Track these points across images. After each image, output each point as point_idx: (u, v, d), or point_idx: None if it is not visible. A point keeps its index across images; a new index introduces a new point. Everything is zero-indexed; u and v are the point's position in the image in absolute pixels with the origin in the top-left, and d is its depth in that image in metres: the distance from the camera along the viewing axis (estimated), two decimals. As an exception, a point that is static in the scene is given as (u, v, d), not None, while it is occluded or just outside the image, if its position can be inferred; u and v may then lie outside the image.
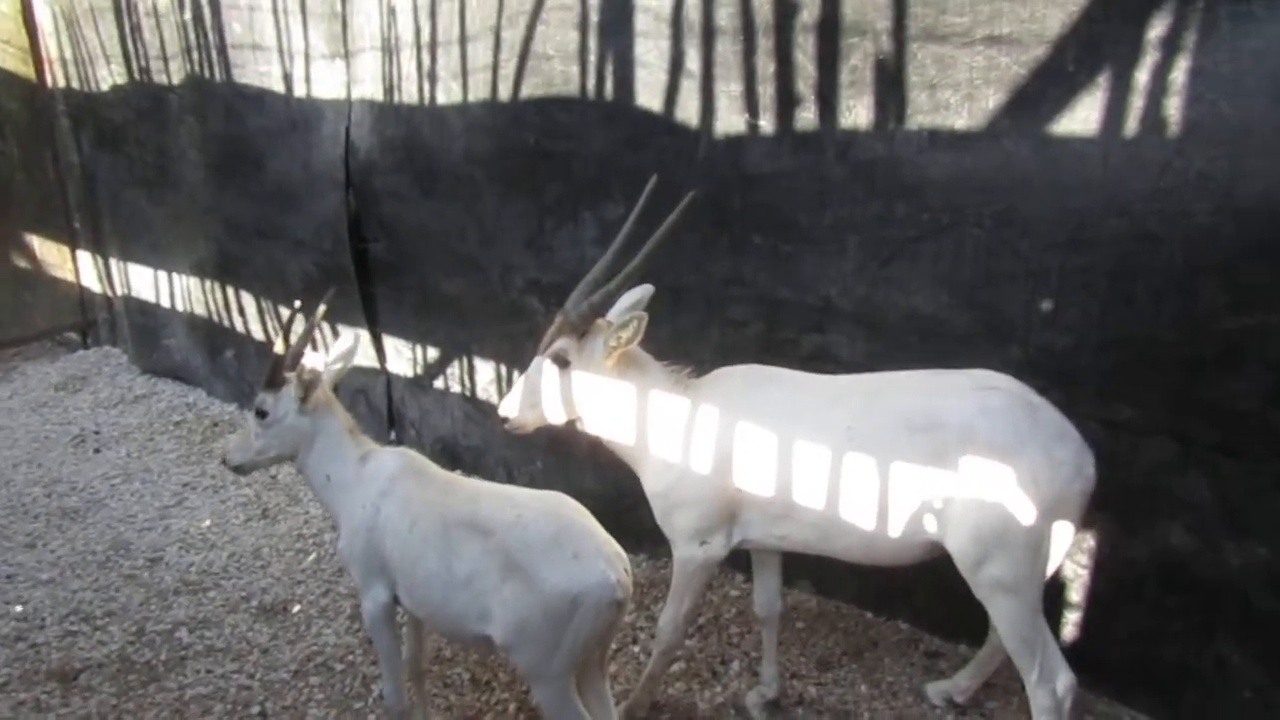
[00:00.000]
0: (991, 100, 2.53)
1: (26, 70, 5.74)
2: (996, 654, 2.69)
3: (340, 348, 2.78)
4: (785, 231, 3.00)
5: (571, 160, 3.37)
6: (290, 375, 2.54)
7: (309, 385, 2.54)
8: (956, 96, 2.58)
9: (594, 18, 3.18)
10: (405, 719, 2.66)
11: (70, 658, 3.26)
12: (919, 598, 3.15)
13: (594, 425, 2.71)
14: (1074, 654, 2.83)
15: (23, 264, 6.01)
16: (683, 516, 2.62)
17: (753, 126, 2.95)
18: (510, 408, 2.72)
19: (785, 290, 3.06)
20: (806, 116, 2.85)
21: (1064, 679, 2.33)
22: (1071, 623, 2.84)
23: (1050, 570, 2.32)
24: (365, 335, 4.46)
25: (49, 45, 5.63)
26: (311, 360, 2.57)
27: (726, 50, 2.94)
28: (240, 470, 2.69)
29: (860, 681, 3.01)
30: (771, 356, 3.12)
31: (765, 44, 2.86)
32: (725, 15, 2.91)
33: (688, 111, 3.07)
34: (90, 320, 6.31)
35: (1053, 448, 2.23)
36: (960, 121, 2.60)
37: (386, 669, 2.58)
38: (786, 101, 2.87)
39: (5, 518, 4.21)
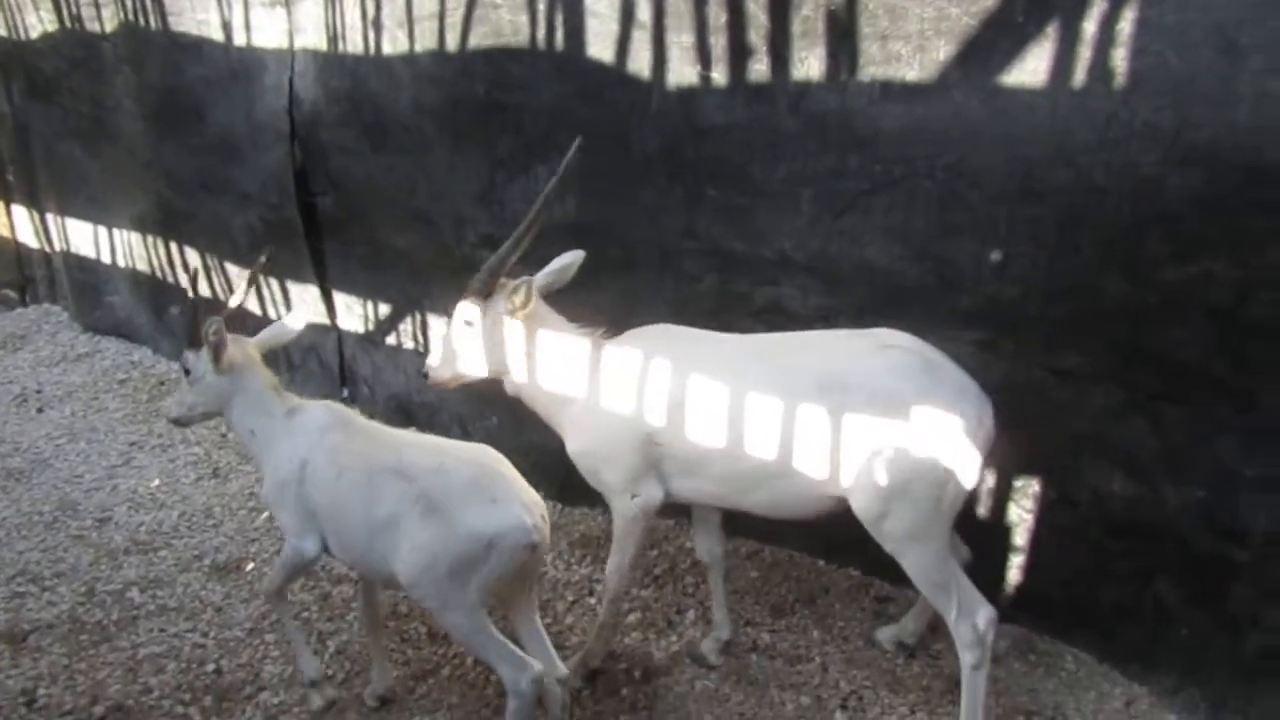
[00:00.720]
0: (942, 51, 2.53)
1: (-49, 16, 5.50)
2: None
3: (279, 328, 2.90)
4: (739, 184, 2.99)
5: (523, 113, 3.32)
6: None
7: (217, 346, 2.61)
8: (908, 48, 2.58)
9: (543, -35, 3.11)
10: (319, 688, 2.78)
11: (19, 619, 3.22)
12: (870, 545, 3.20)
13: (510, 384, 2.84)
14: (1018, 595, 2.93)
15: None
16: (609, 472, 2.71)
17: (705, 78, 2.92)
18: (432, 362, 2.85)
19: (739, 243, 3.06)
20: (759, 68, 2.83)
21: (984, 613, 2.43)
22: (1016, 565, 2.92)
23: (951, 517, 2.40)
24: (315, 291, 4.39)
25: (-28, -10, 5.39)
26: (280, 329, 2.83)
27: (678, 0, 2.90)
28: (178, 423, 2.80)
29: (813, 627, 3.08)
30: (725, 311, 3.14)
31: (718, -7, 2.83)
32: (677, -37, 2.87)
33: (639, 63, 3.04)
34: (28, 277, 6.13)
35: (953, 403, 2.31)
36: (911, 73, 2.59)
37: (293, 636, 2.77)
38: (738, 53, 2.85)
39: (-53, 481, 4.12)
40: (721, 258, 3.11)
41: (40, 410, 4.77)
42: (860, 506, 2.39)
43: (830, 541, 3.30)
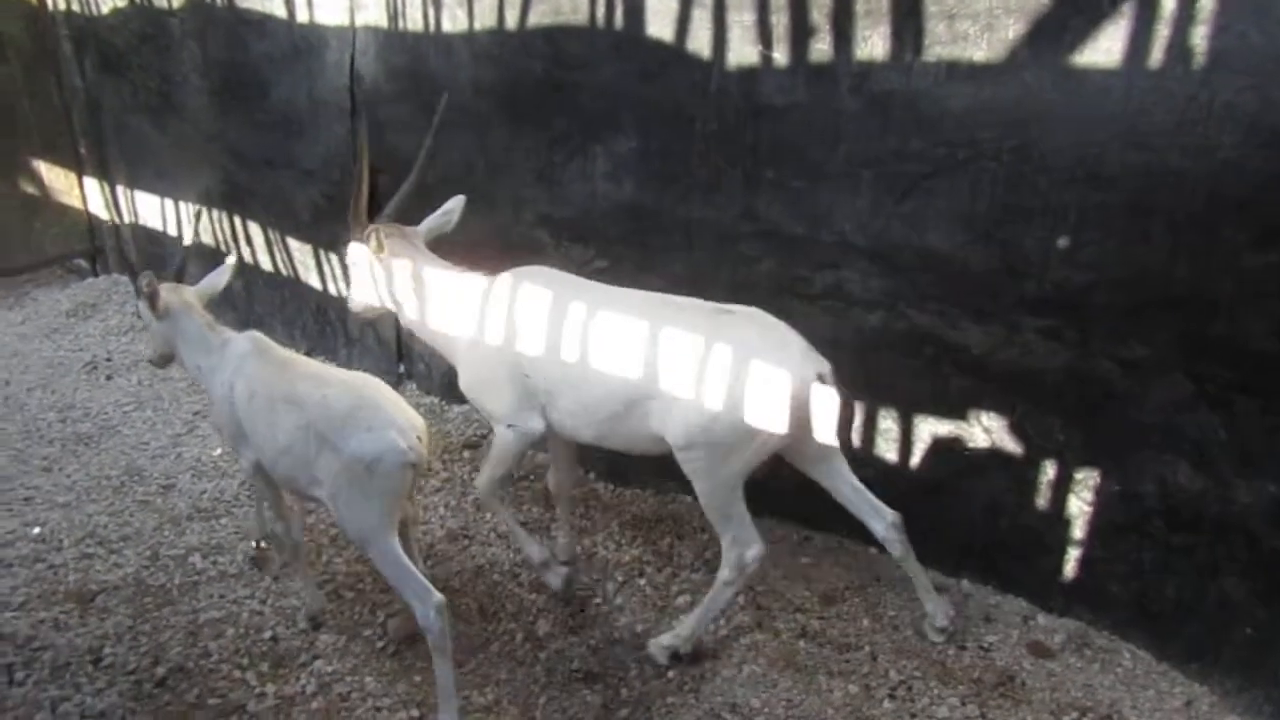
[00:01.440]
0: (1011, 30, 2.46)
1: (27, -8, 5.64)
2: (918, 572, 2.92)
3: (215, 275, 3.21)
4: (798, 166, 2.95)
5: (580, 91, 3.30)
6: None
7: (151, 296, 2.94)
8: (976, 27, 2.51)
9: (605, -59, 3.09)
10: (298, 551, 3.08)
11: (87, 579, 3.32)
12: (924, 531, 3.17)
13: (404, 321, 3.21)
14: (1076, 588, 2.87)
15: (31, 190, 5.98)
16: (490, 402, 2.97)
17: (766, 58, 2.88)
18: (349, 295, 3.30)
19: (798, 226, 3.02)
20: (821, 48, 2.78)
21: (754, 549, 2.75)
22: (1074, 558, 2.86)
23: (755, 459, 2.65)
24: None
25: (49, -34, 5.52)
26: (215, 278, 3.18)
27: (741, -24, 2.86)
28: (154, 364, 3.22)
29: (863, 615, 3.05)
30: (784, 294, 3.11)
31: (781, -30, 2.78)
32: (740, -60, 2.83)
33: (699, 42, 3.00)
34: (99, 247, 6.29)
35: (779, 361, 2.54)
36: (979, 53, 2.53)
37: (272, 509, 3.05)
38: (801, 32, 2.80)
39: (21, 442, 4.25)
40: (780, 240, 3.08)
41: (109, 378, 4.91)
42: (671, 439, 2.65)
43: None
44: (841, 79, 2.77)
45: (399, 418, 2.64)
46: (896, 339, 2.98)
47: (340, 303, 4.71)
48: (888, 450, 3.14)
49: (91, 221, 6.23)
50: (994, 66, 2.52)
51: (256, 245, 5.00)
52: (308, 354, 4.98)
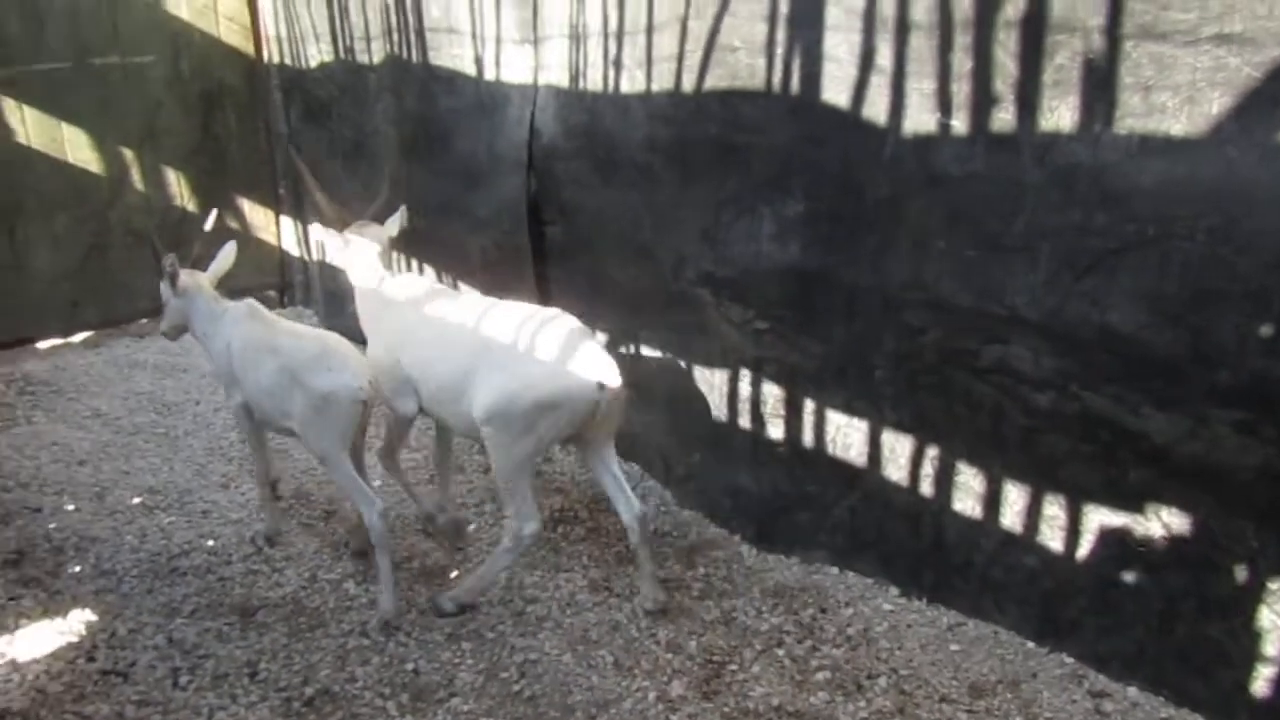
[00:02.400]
0: (1216, 104, 2.33)
1: (247, 47, 6.17)
2: (646, 559, 3.38)
3: (221, 259, 3.86)
4: (972, 236, 2.86)
5: (752, 153, 3.33)
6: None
7: (171, 277, 3.60)
8: (1175, 99, 2.39)
9: (783, 9, 3.12)
10: (269, 481, 3.82)
11: (251, 595, 3.50)
12: (1088, 630, 2.96)
13: None
14: (1264, 710, 2.61)
15: (234, 225, 6.47)
16: (385, 386, 3.51)
17: (944, 126, 2.82)
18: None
19: (967, 297, 2.92)
20: (1003, 117, 2.70)
21: (532, 526, 3.22)
22: (1265, 676, 2.60)
23: (543, 443, 3.21)
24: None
25: (267, 23, 6.02)
26: (223, 260, 3.85)
27: (921, 45, 2.83)
28: (166, 337, 3.80)
29: (1015, 713, 2.86)
30: (948, 365, 3.01)
31: (963, 40, 2.73)
32: (922, 9, 2.80)
33: (876, 108, 2.98)
34: (288, 282, 6.73)
35: (565, 368, 3.10)
36: (1177, 126, 2.40)
37: (253, 447, 3.81)
38: (982, 101, 2.73)
39: (205, 458, 4.55)
40: (947, 311, 2.99)
41: (286, 405, 5.21)
42: (475, 414, 3.17)
43: (1044, 621, 3.07)
44: (1024, 149, 2.68)
45: (354, 364, 3.35)
46: (1068, 421, 2.82)
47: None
48: (1052, 538, 2.96)
49: (283, 257, 6.68)
50: (1193, 141, 2.38)
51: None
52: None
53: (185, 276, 3.65)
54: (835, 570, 3.58)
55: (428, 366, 3.41)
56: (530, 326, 3.25)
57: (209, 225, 3.94)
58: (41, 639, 3.23)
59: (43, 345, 5.86)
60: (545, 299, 4.51)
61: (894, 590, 3.43)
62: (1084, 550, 2.91)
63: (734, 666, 3.12)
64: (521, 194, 4.35)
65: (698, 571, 3.63)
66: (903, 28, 2.85)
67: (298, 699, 2.97)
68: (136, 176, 5.92)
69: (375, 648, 3.21)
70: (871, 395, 3.29)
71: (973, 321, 2.94)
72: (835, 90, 3.06)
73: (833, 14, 2.99)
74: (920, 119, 2.88)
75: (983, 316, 2.91)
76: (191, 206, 6.18)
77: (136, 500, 4.15)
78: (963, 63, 2.74)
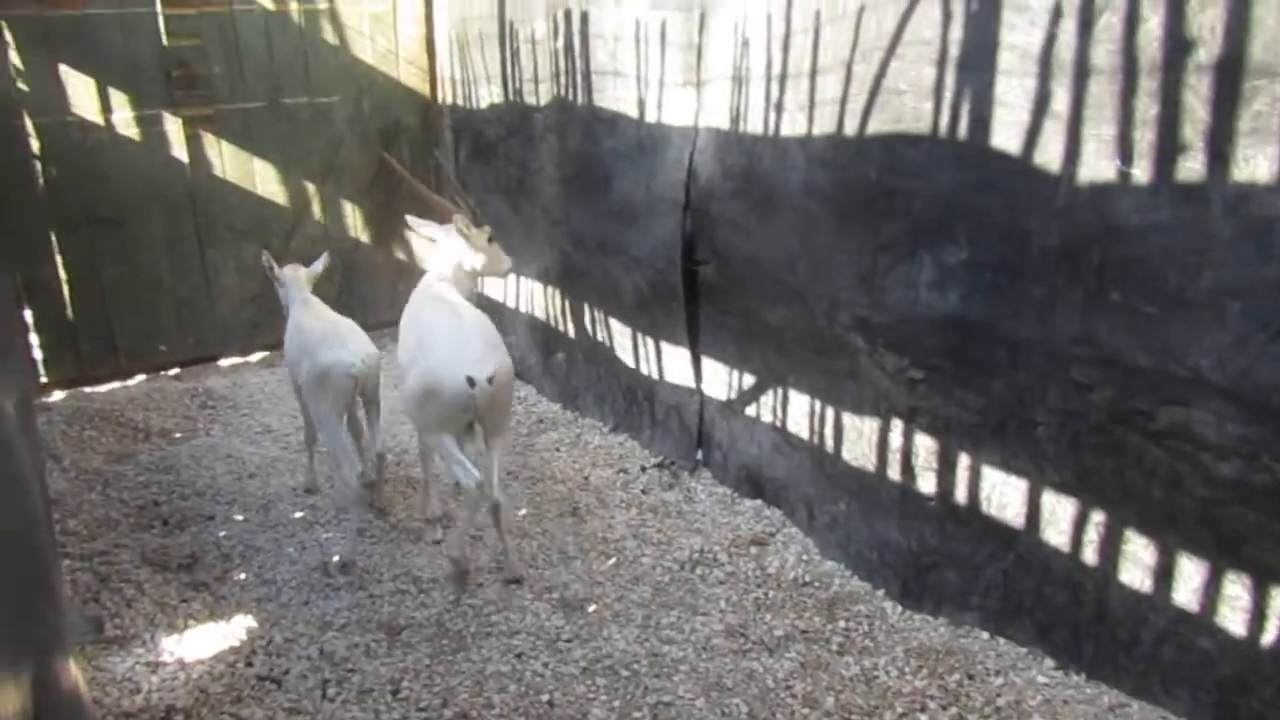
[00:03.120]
0: None
1: (424, 88, 6.50)
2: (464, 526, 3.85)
3: (320, 261, 4.61)
4: (1151, 291, 2.70)
5: (914, 199, 3.25)
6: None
7: (270, 269, 4.40)
8: (1392, 152, 2.19)
9: (953, 53, 3.04)
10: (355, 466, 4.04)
11: (398, 614, 3.61)
12: (1273, 728, 2.71)
13: None
14: None
15: (401, 256, 6.79)
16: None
17: (1124, 174, 2.68)
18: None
19: (1143, 356, 2.75)
20: (1191, 166, 2.55)
21: (469, 483, 3.63)
22: None
23: (448, 423, 3.68)
24: (685, 354, 4.58)
25: (443, 66, 6.33)
26: (318, 266, 4.60)
27: (1101, 90, 2.70)
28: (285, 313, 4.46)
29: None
30: (1118, 426, 2.84)
31: (1148, 85, 2.60)
32: (1103, 53, 2.68)
33: (1048, 155, 2.86)
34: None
35: (445, 364, 3.59)
36: (1394, 181, 2.20)
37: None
38: (1168, 148, 2.58)
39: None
40: (1120, 370, 2.82)
41: (440, 430, 5.39)
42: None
43: (1220, 710, 2.82)
44: (1214, 200, 2.51)
45: (352, 344, 3.98)
46: (1256, 495, 2.60)
47: (648, 383, 4.90)
48: (1233, 620, 2.73)
49: (445, 288, 6.94)
50: None
51: (582, 323, 5.33)
52: (613, 429, 5.20)
53: (287, 270, 4.43)
54: (985, 635, 3.40)
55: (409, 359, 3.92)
56: (449, 325, 3.80)
57: (320, 266, 4.62)
58: (206, 641, 3.43)
59: (224, 363, 6.28)
60: (695, 338, 4.53)
61: (1050, 662, 3.23)
62: (1271, 636, 2.66)
63: (873, 729, 3.00)
64: (677, 234, 4.40)
65: (838, 625, 3.52)
66: (1081, 72, 2.73)
67: (436, 719, 3.04)
68: (316, 209, 6.32)
69: (512, 675, 3.25)
70: (1032, 453, 3.13)
71: (1149, 381, 2.76)
72: (1005, 135, 2.96)
73: (1006, 58, 2.90)
74: (1097, 166, 2.75)
75: (1161, 376, 2.73)
76: (364, 238, 6.53)
77: (298, 515, 4.37)
78: (1147, 108, 2.60)
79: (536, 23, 5.11)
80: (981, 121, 3.01)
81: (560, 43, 4.95)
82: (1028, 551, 3.22)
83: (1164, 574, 2.87)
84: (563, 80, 5.01)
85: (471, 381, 3.51)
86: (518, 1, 5.25)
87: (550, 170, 5.31)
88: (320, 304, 4.37)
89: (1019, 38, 2.87)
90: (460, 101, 6.18)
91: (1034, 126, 2.88)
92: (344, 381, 3.89)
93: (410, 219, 4.46)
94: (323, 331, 4.04)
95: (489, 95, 5.78)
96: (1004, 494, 3.24)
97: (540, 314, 5.75)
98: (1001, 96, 2.94)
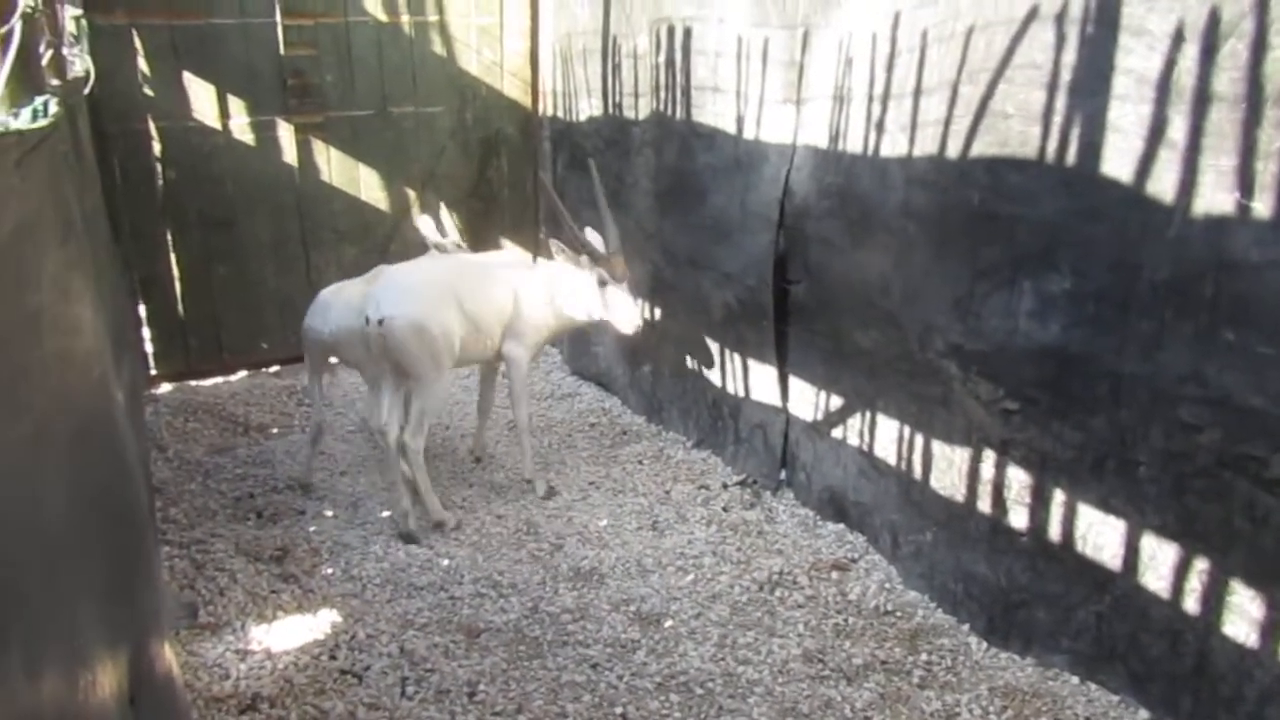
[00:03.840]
0: None
1: (525, 100, 6.62)
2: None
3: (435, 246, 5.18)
4: (1268, 330, 2.57)
5: (1016, 225, 3.16)
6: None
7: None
8: None
9: (1065, 77, 2.96)
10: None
11: (477, 617, 3.66)
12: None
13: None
14: None
15: (495, 265, 6.91)
16: None
17: (1244, 207, 2.56)
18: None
19: (1258, 398, 2.62)
20: (1318, 200, 2.42)
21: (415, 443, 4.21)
22: None
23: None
24: (773, 373, 4.54)
25: (545, 79, 6.43)
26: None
27: (1222, 119, 2.59)
28: None
29: None
30: (1226, 470, 2.72)
31: (1274, 115, 2.48)
32: (1226, 80, 2.57)
33: (1162, 184, 2.75)
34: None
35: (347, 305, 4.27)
36: None
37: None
38: (1293, 181, 2.46)
39: (448, 482, 4.84)
40: (1231, 411, 2.69)
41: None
42: None
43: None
44: (1340, 238, 2.39)
45: (320, 309, 4.42)
46: (1377, 551, 2.45)
47: (733, 400, 4.87)
48: (1347, 684, 2.57)
49: (537, 296, 7.03)
50: None
51: (670, 337, 5.34)
52: (696, 445, 5.19)
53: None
54: (1075, 680, 3.27)
55: None
56: (406, 270, 4.41)
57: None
58: (293, 632, 3.53)
59: (322, 361, 6.48)
60: (784, 357, 4.49)
61: (1144, 713, 3.09)
62: (1388, 703, 2.50)
63: (952, 768, 2.92)
64: (769, 252, 4.37)
65: (919, 658, 3.43)
66: (1201, 99, 2.62)
67: (510, 726, 3.07)
68: (416, 214, 6.46)
69: (587, 686, 3.26)
70: (1132, 494, 3.01)
71: (1263, 425, 2.63)
72: (1116, 163, 2.86)
73: (1121, 83, 2.80)
74: (1214, 198, 2.63)
75: (1276, 421, 2.59)
76: (461, 244, 6.67)
77: (385, 514, 4.46)
78: (1272, 140, 2.48)
79: (639, 37, 5.15)
80: (1092, 148, 2.91)
81: (662, 58, 4.98)
82: (1124, 595, 3.09)
83: (1273, 629, 2.72)
84: (662, 95, 5.04)
85: (367, 320, 4.04)
86: (621, 16, 5.30)
87: (645, 184, 5.34)
88: (353, 282, 4.56)
89: (1136, 62, 2.77)
90: (560, 114, 6.27)
91: (1148, 154, 2.78)
92: (312, 344, 4.49)
93: (555, 242, 4.52)
94: (359, 290, 4.39)
95: (588, 108, 5.84)
96: (1100, 534, 3.12)
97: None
98: (1115, 122, 2.84)
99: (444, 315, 4.21)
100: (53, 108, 1.86)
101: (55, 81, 2.53)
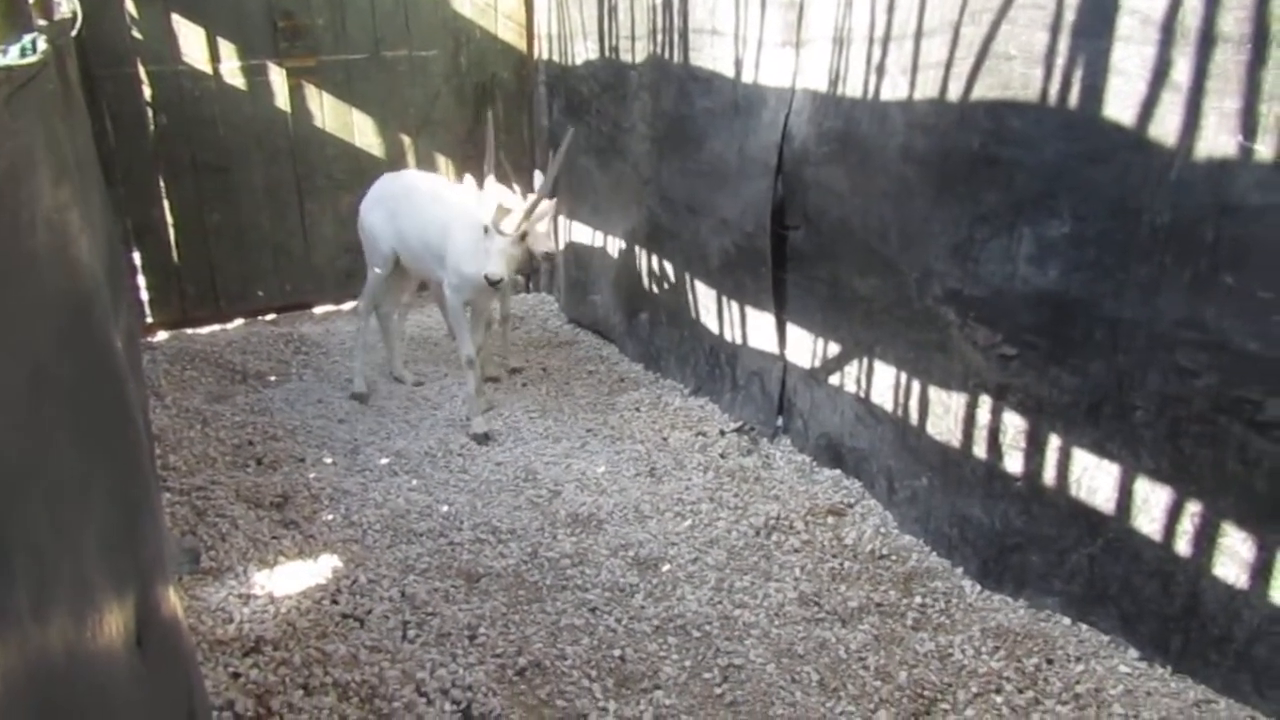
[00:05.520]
0: None
1: (520, 44, 6.52)
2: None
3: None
4: (1268, 275, 2.57)
5: (1017, 169, 3.14)
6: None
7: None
8: None
9: (1069, 18, 2.91)
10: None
11: (477, 562, 3.70)
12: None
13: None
14: None
15: (490, 213, 6.86)
16: None
17: (1246, 150, 2.55)
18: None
19: (1254, 343, 2.62)
20: (1321, 143, 2.40)
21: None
22: None
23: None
24: (770, 320, 4.54)
25: (540, 22, 6.33)
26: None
27: (1227, 60, 2.56)
28: None
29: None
30: (1221, 414, 2.73)
31: (1280, 55, 2.45)
32: (1232, 20, 2.53)
33: (1164, 127, 2.73)
34: (535, 267, 7.05)
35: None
36: None
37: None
38: (1297, 123, 2.44)
39: (446, 429, 4.85)
40: (1229, 356, 2.69)
41: (525, 385, 5.47)
42: None
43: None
44: (1343, 182, 2.37)
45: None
46: (1369, 494, 2.48)
47: (730, 347, 4.88)
48: (1335, 624, 2.61)
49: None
50: None
51: (667, 285, 5.33)
52: (694, 392, 5.20)
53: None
54: (1067, 621, 3.33)
55: None
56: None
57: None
58: (295, 578, 3.56)
59: (318, 310, 6.47)
60: (781, 304, 4.48)
61: (1134, 652, 3.14)
62: (1374, 641, 2.54)
63: (945, 705, 2.97)
64: (767, 197, 4.34)
65: (914, 600, 3.48)
66: (1206, 40, 2.59)
67: (511, 667, 3.11)
68: (411, 161, 6.40)
69: (586, 629, 3.31)
70: (1127, 438, 3.03)
71: (1260, 369, 2.64)
72: (1119, 106, 2.83)
73: (1125, 24, 2.77)
74: (1217, 141, 2.61)
75: (1273, 365, 2.60)
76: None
77: (384, 461, 4.49)
78: (1277, 81, 2.46)
79: (635, -21, 5.06)
80: (1094, 91, 2.88)
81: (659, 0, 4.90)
82: (1117, 538, 3.13)
83: (1262, 570, 2.76)
84: (659, 38, 4.96)
85: None
86: (617, -43, 5.20)
87: (642, 129, 5.28)
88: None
89: (1140, 3, 2.73)
90: (555, 58, 6.18)
91: (1151, 97, 2.75)
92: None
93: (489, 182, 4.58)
94: None
95: (584, 52, 5.76)
96: (1095, 478, 3.15)
97: (625, 273, 5.75)
98: (1118, 65, 2.81)
99: (371, 218, 4.97)
100: (41, 44, 1.83)
101: (42, 22, 2.48)
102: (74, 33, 3.71)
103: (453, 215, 4.64)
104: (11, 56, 1.69)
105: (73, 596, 1.03)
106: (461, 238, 4.57)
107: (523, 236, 4.44)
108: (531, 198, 4.42)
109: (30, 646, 0.83)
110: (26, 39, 1.83)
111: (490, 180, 4.53)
